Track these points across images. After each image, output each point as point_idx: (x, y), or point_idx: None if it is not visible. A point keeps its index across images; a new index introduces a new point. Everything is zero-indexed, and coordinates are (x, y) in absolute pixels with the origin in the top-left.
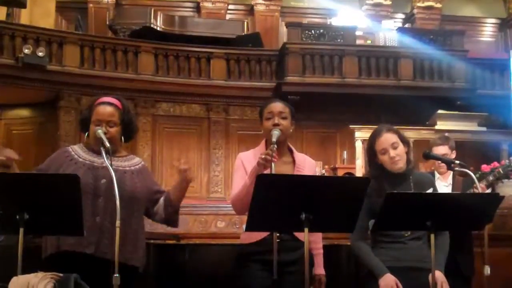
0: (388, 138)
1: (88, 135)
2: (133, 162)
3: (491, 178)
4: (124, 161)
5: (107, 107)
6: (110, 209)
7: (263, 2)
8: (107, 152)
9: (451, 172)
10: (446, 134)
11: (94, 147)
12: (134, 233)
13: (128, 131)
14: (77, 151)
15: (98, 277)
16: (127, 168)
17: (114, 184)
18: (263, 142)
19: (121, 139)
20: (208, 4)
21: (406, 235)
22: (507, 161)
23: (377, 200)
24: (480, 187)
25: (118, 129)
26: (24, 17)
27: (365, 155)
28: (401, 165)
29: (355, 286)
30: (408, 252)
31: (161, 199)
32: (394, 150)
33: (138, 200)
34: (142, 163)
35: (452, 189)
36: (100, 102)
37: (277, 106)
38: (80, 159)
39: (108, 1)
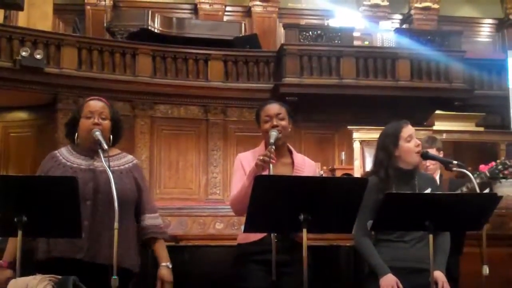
0: (413, 128)
1: (77, 136)
2: (123, 160)
3: (477, 180)
4: (114, 160)
5: (98, 102)
6: (99, 212)
7: (261, 3)
8: (104, 153)
9: (439, 173)
10: (433, 134)
11: (84, 148)
12: (125, 235)
13: (116, 130)
14: (64, 154)
15: (92, 281)
16: (116, 168)
17: (112, 187)
18: (262, 143)
19: (109, 138)
20: (206, 6)
21: (408, 235)
22: (494, 164)
23: (382, 197)
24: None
25: (109, 124)
26: (22, 19)
27: (378, 148)
28: (419, 159)
29: (355, 287)
30: (410, 252)
31: (146, 223)
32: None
33: (127, 202)
34: (134, 161)
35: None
36: (90, 99)
37: (274, 108)
38: (68, 163)
39: (105, 3)
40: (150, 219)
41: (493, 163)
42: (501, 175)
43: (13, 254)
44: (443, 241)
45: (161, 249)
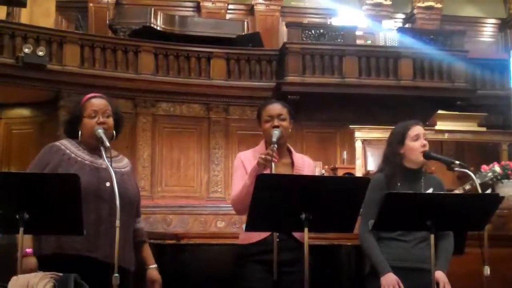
0: (422, 129)
1: (81, 135)
2: (124, 163)
3: (467, 187)
4: (116, 162)
5: (101, 99)
6: (114, 212)
7: (263, 2)
8: (106, 151)
9: None
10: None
11: (90, 147)
12: (130, 236)
13: (118, 126)
14: (71, 148)
15: (96, 280)
16: (123, 170)
17: (114, 186)
18: (262, 142)
19: (113, 135)
20: (208, 4)
21: (411, 234)
22: (483, 172)
23: None
24: None
25: (112, 121)
26: (24, 16)
27: (386, 145)
28: (423, 159)
29: (356, 286)
30: (411, 252)
31: (140, 225)
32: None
33: (133, 204)
34: (130, 165)
35: None
36: (91, 96)
37: (275, 108)
38: (79, 159)
39: (108, 1)
40: (142, 222)
41: (495, 163)
42: (490, 182)
43: (30, 243)
44: (446, 244)
45: (149, 252)
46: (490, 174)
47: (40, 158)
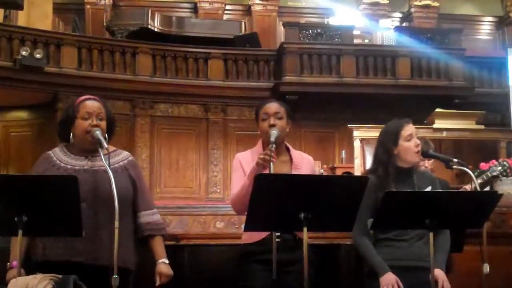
0: (413, 128)
1: (72, 136)
2: (118, 158)
3: (479, 180)
4: (112, 157)
5: (94, 102)
6: (96, 214)
7: (261, 2)
8: (103, 148)
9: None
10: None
11: (80, 148)
12: (128, 234)
13: (110, 130)
14: (58, 155)
15: (91, 282)
16: (111, 167)
17: (113, 186)
18: (260, 142)
19: (105, 138)
20: (206, 5)
21: (408, 233)
22: (493, 166)
23: (381, 195)
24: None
25: (105, 124)
26: (22, 19)
27: (378, 146)
28: (418, 158)
29: (355, 285)
30: (409, 251)
31: (141, 220)
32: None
33: (122, 200)
34: (130, 158)
35: None
36: (86, 98)
37: (272, 106)
38: (62, 164)
39: (105, 3)
40: (146, 216)
41: (494, 161)
42: (500, 176)
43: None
44: (443, 240)
45: (157, 246)
46: (500, 167)
47: (34, 168)
